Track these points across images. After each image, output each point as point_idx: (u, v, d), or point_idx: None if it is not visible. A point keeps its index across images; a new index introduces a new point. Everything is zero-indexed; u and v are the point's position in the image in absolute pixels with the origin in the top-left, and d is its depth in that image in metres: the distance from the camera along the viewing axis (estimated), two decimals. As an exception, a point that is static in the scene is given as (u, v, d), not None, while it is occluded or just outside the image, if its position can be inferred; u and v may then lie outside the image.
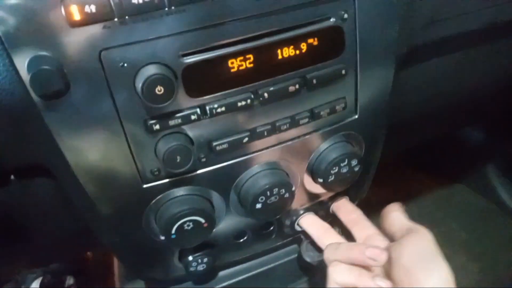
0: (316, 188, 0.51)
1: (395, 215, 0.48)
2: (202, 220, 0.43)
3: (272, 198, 0.45)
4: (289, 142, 0.45)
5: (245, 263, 0.60)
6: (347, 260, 0.45)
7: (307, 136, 0.46)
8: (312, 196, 0.53)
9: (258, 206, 0.45)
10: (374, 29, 0.42)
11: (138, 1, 0.32)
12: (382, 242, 0.49)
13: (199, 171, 0.42)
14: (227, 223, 0.49)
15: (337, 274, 0.45)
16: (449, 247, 1.15)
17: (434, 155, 1.27)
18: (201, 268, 0.51)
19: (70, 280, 0.96)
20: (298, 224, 0.55)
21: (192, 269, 0.50)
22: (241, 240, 0.53)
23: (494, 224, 1.15)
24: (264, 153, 0.45)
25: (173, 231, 0.42)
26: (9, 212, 0.46)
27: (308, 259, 0.55)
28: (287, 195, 0.46)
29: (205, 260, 0.50)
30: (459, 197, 1.23)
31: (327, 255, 0.47)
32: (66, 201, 0.45)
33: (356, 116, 0.47)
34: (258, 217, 0.47)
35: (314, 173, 0.48)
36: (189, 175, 0.42)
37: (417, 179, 1.27)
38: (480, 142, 1.19)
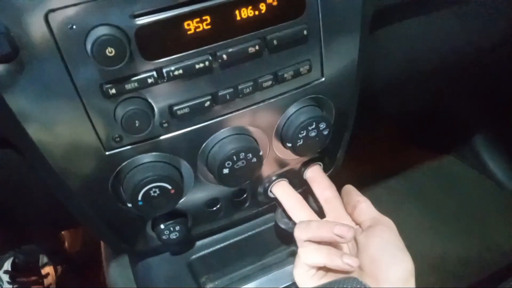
0: (287, 154, 0.51)
1: (364, 206, 0.51)
2: (169, 187, 0.43)
3: (239, 163, 0.45)
4: (255, 106, 0.45)
5: (221, 232, 0.60)
6: (317, 238, 0.47)
7: (272, 100, 0.45)
8: (283, 163, 0.53)
9: (225, 171, 0.45)
10: None
11: None
12: (351, 224, 0.51)
13: (162, 137, 0.42)
14: (197, 191, 0.49)
15: (307, 255, 0.47)
16: (437, 218, 1.16)
17: (423, 127, 1.27)
18: (174, 237, 0.51)
19: (43, 259, 0.96)
20: (271, 192, 0.55)
21: (164, 237, 0.50)
22: (214, 209, 0.53)
23: (483, 194, 1.16)
24: (230, 118, 0.44)
25: (139, 198, 0.42)
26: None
27: (283, 226, 0.55)
28: (254, 159, 0.45)
29: (177, 228, 0.50)
30: (448, 168, 1.23)
31: (297, 234, 0.48)
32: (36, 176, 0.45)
33: (323, 79, 0.47)
34: (227, 183, 0.46)
35: (283, 138, 0.48)
36: (153, 141, 0.42)
37: (406, 151, 1.27)
38: (467, 112, 1.18)
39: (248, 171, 0.46)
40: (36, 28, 0.33)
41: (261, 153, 0.46)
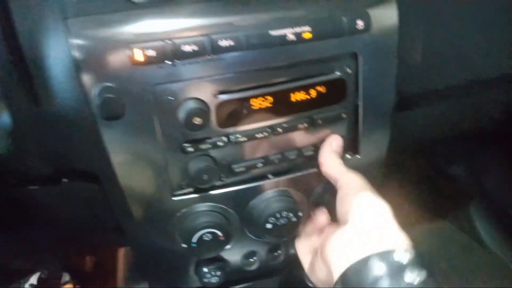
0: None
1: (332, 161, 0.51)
2: (220, 234, 0.51)
3: (281, 221, 0.52)
4: (298, 174, 0.53)
5: (252, 281, 0.66)
6: None
7: (311, 170, 0.54)
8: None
9: (269, 226, 0.52)
10: (373, 82, 0.51)
11: (187, 49, 0.41)
12: None
13: (219, 191, 0.51)
14: (240, 241, 0.56)
15: None
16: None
17: (422, 191, 1.34)
18: (214, 281, 0.57)
19: (66, 277, 1.00)
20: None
21: (206, 280, 0.57)
22: (251, 260, 0.60)
23: (474, 258, 1.21)
24: (277, 181, 0.53)
25: (194, 240, 0.50)
26: (53, 209, 0.54)
27: (310, 285, 0.61)
28: (294, 219, 0.53)
29: (218, 273, 0.57)
30: (443, 232, 1.29)
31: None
32: (99, 203, 0.53)
33: (359, 157, 0.55)
34: (268, 237, 0.54)
35: (318, 203, 0.56)
36: (211, 193, 0.50)
37: (403, 212, 1.33)
38: (464, 180, 1.26)
39: (288, 229, 0.54)
40: (143, 96, 0.42)
41: (300, 214, 0.54)
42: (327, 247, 0.44)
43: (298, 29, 0.43)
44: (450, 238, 1.27)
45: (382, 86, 0.51)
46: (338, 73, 0.49)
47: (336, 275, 0.41)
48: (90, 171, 0.49)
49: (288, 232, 0.54)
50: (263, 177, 0.52)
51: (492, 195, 1.17)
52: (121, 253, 0.95)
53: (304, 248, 0.54)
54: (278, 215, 0.52)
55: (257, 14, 0.44)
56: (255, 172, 0.51)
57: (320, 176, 0.52)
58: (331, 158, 0.51)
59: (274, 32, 0.43)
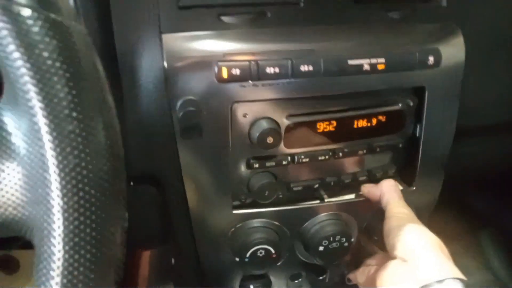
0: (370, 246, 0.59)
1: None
2: (273, 251, 0.52)
3: (334, 244, 0.53)
4: (353, 198, 0.55)
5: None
6: None
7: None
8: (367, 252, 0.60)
9: (321, 248, 0.53)
10: (436, 115, 0.52)
11: (269, 70, 0.43)
12: None
13: (278, 208, 0.52)
14: (289, 261, 0.57)
15: None
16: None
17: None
18: None
19: None
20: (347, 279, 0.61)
21: None
22: (296, 281, 0.62)
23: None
24: (333, 204, 0.54)
25: (247, 255, 0.51)
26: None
27: None
28: (346, 244, 0.54)
29: (262, 291, 0.58)
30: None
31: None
32: (153, 207, 0.54)
33: (414, 188, 0.56)
34: (318, 259, 0.55)
35: (370, 232, 0.57)
36: (269, 209, 0.52)
37: None
38: (480, 208, 1.27)
39: (339, 253, 0.55)
40: (221, 111, 0.44)
41: (352, 240, 0.55)
42: (379, 280, 0.46)
43: (374, 60, 0.46)
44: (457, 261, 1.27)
45: (444, 119, 0.53)
46: (400, 105, 0.52)
47: None
48: (152, 175, 0.50)
49: (338, 256, 0.55)
50: (319, 198, 0.54)
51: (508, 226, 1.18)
52: (146, 254, 0.96)
53: (362, 276, 0.54)
54: (331, 238, 0.53)
55: (337, 43, 0.46)
56: (312, 193, 0.53)
57: (373, 203, 0.54)
58: (392, 188, 0.52)
59: (352, 62, 0.45)
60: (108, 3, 0.41)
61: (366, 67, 0.46)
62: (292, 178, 0.52)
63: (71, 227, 0.22)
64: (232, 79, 0.43)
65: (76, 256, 0.22)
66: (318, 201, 0.54)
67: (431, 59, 0.48)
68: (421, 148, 0.54)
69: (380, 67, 0.46)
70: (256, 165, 0.48)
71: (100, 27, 0.41)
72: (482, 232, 1.28)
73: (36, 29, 0.21)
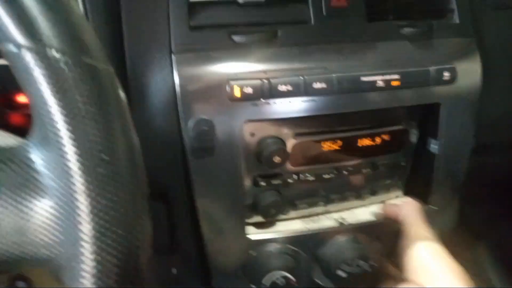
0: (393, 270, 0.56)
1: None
2: (293, 279, 0.50)
3: (354, 269, 0.51)
4: (372, 220, 0.54)
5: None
6: None
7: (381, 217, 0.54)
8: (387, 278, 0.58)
9: (341, 273, 0.51)
10: (452, 132, 0.52)
11: (282, 88, 0.43)
12: None
13: (294, 234, 0.51)
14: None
15: None
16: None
17: None
18: None
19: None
20: None
21: None
22: None
23: None
24: (349, 227, 0.53)
25: (268, 285, 0.49)
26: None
27: None
28: (367, 269, 0.52)
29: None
30: None
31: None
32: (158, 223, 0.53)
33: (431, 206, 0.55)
34: (339, 284, 0.52)
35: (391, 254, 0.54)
36: (284, 236, 0.50)
37: None
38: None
39: (359, 278, 0.52)
40: (234, 130, 0.44)
41: (374, 264, 0.53)
42: None
43: (388, 77, 0.46)
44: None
45: (461, 136, 0.53)
46: (403, 123, 0.52)
47: None
48: (160, 192, 0.50)
49: (359, 282, 0.53)
50: (335, 221, 0.54)
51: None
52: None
53: None
54: (351, 263, 0.51)
55: (350, 61, 0.46)
56: (318, 210, 0.53)
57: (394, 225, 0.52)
58: (412, 207, 0.51)
59: (365, 78, 0.45)
60: (121, 24, 0.41)
61: (380, 83, 0.46)
62: (297, 195, 0.52)
63: (103, 268, 0.22)
64: (245, 97, 0.43)
65: None
66: (335, 224, 0.53)
67: (446, 75, 0.48)
68: (437, 166, 0.53)
69: (394, 83, 0.46)
70: (263, 183, 0.48)
71: (112, 47, 0.40)
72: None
73: (69, 73, 0.21)
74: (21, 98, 0.47)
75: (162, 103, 0.43)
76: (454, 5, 0.51)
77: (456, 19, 0.51)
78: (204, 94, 0.42)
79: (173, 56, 0.42)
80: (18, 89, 0.46)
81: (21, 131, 0.48)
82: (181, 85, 0.42)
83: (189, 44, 0.42)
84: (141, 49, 0.42)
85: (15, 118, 0.48)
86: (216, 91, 0.42)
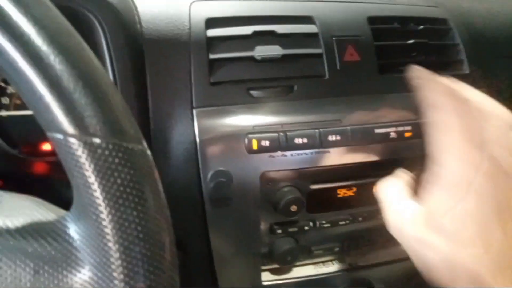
0: None
1: None
2: None
3: None
4: (384, 260, 0.55)
5: None
6: None
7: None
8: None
9: None
10: None
11: (298, 141, 0.45)
12: None
13: (305, 279, 0.52)
14: None
15: None
16: None
17: None
18: None
19: None
20: None
21: None
22: None
23: None
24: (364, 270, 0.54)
25: None
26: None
27: None
28: None
29: None
30: None
31: None
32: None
33: None
34: None
35: None
36: (297, 281, 0.52)
37: None
38: None
39: None
40: (251, 181, 0.45)
41: None
42: None
43: (400, 129, 0.47)
44: None
45: None
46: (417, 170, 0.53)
47: None
48: (180, 241, 0.51)
49: None
50: (350, 264, 0.55)
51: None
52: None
53: None
54: None
55: (363, 113, 0.48)
56: (335, 257, 0.54)
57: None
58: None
59: (379, 130, 0.47)
60: (145, 81, 0.43)
61: (393, 135, 0.47)
62: (313, 242, 0.52)
63: None
64: (262, 150, 0.44)
65: None
66: (349, 267, 0.54)
67: None
68: None
69: (407, 134, 0.48)
70: (279, 231, 0.49)
71: (137, 103, 0.42)
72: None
73: (110, 158, 0.23)
74: (45, 146, 0.49)
75: (183, 155, 0.45)
76: (463, 56, 0.52)
77: (466, 69, 0.53)
78: (223, 147, 0.44)
79: (194, 111, 0.44)
80: (42, 138, 0.48)
81: (45, 178, 0.50)
82: (201, 138, 0.44)
83: (209, 99, 0.45)
84: (165, 105, 0.44)
85: (39, 166, 0.50)
86: (235, 143, 0.44)
